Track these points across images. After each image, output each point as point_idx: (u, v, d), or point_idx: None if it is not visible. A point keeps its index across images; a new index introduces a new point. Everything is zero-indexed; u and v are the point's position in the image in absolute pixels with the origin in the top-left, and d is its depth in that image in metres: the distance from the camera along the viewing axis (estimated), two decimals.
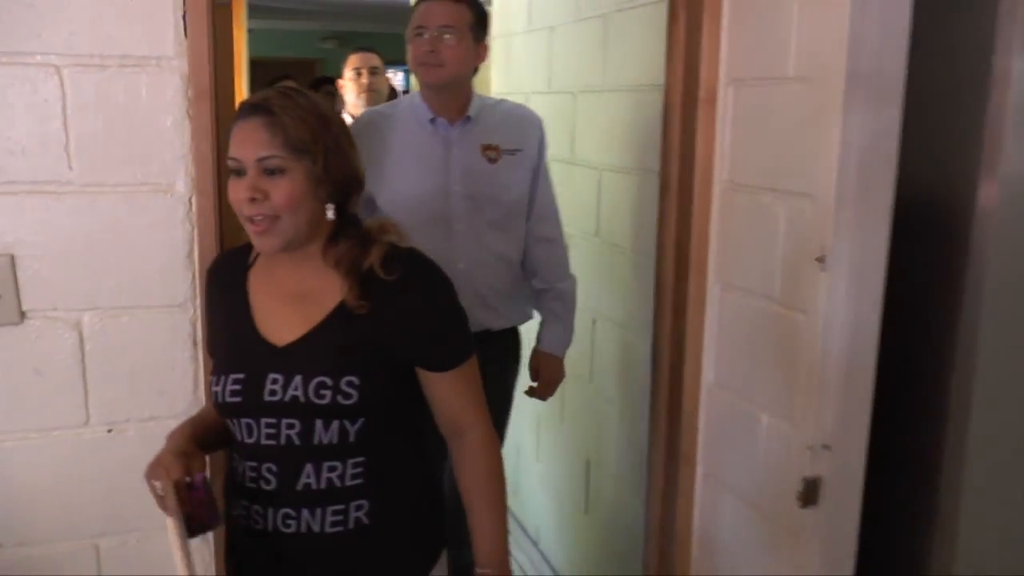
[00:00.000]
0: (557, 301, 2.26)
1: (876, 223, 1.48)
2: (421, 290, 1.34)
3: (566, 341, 2.30)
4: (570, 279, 2.29)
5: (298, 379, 1.29)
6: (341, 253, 1.31)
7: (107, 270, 1.45)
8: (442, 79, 2.04)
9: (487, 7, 2.16)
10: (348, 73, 3.02)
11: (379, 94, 3.01)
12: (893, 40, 1.43)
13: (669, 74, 1.82)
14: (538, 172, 2.18)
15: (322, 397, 1.28)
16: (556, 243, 2.25)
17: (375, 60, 3.07)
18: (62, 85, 1.39)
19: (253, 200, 1.23)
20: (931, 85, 1.49)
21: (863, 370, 1.52)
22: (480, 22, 2.09)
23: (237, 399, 1.32)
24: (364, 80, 2.98)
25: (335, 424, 1.30)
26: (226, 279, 1.41)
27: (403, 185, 2.05)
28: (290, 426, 1.30)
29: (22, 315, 1.43)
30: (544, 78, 2.73)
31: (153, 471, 1.27)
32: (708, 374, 1.83)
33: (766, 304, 1.63)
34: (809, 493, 1.56)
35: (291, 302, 1.34)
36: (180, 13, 1.42)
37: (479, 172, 2.10)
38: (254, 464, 1.33)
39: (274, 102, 1.23)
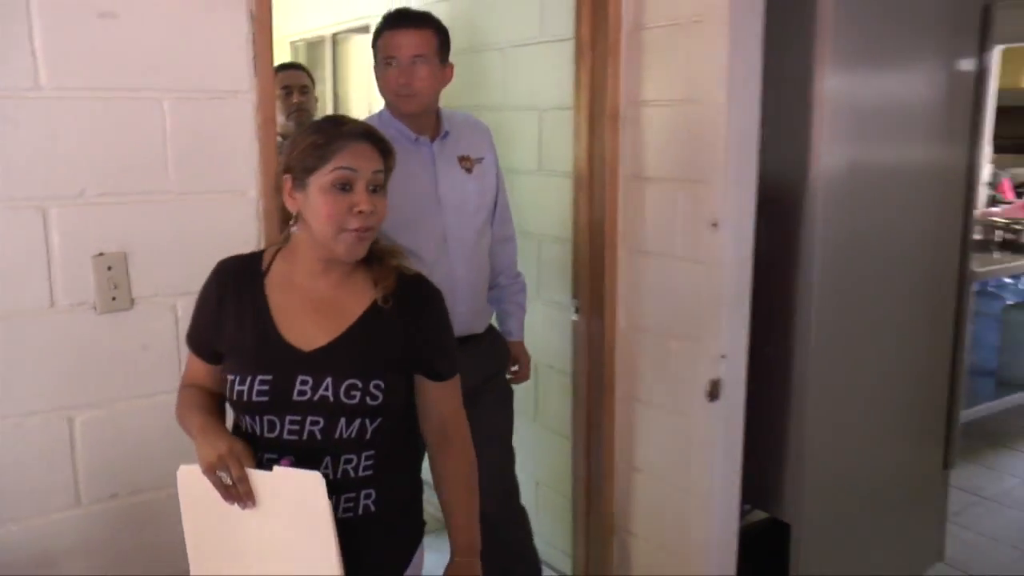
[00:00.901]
0: (521, 293, 2.45)
1: (747, 199, 2.20)
2: (436, 308, 1.56)
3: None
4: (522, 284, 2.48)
5: (328, 380, 1.44)
6: (376, 268, 1.53)
7: (196, 261, 1.76)
8: (416, 108, 2.14)
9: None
10: (276, 92, 2.86)
11: (309, 114, 2.98)
12: (752, 71, 2.14)
13: (578, 97, 2.43)
14: (497, 175, 2.34)
15: (352, 398, 1.45)
16: (515, 240, 2.44)
17: (304, 79, 3.05)
18: (163, 114, 1.73)
19: (362, 212, 1.42)
20: (775, 102, 2.22)
21: (743, 300, 2.24)
22: (444, 44, 2.18)
23: (264, 399, 1.45)
24: (294, 99, 2.95)
25: (357, 422, 1.46)
26: (241, 283, 1.53)
27: (399, 202, 2.15)
28: (314, 423, 1.45)
29: (132, 301, 1.74)
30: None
31: (227, 462, 1.37)
32: (621, 320, 2.47)
33: (671, 260, 2.30)
34: (714, 390, 2.24)
35: (314, 310, 1.50)
36: (251, 56, 1.81)
37: (460, 183, 2.22)
38: (273, 456, 1.46)
39: (375, 130, 1.52)
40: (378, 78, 2.18)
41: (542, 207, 2.77)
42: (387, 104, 2.20)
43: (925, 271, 2.68)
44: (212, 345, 1.55)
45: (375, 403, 1.46)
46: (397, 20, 2.13)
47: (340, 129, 1.47)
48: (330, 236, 1.43)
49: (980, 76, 2.63)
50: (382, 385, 1.46)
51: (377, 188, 1.47)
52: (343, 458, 1.47)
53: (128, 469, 1.79)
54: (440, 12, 2.24)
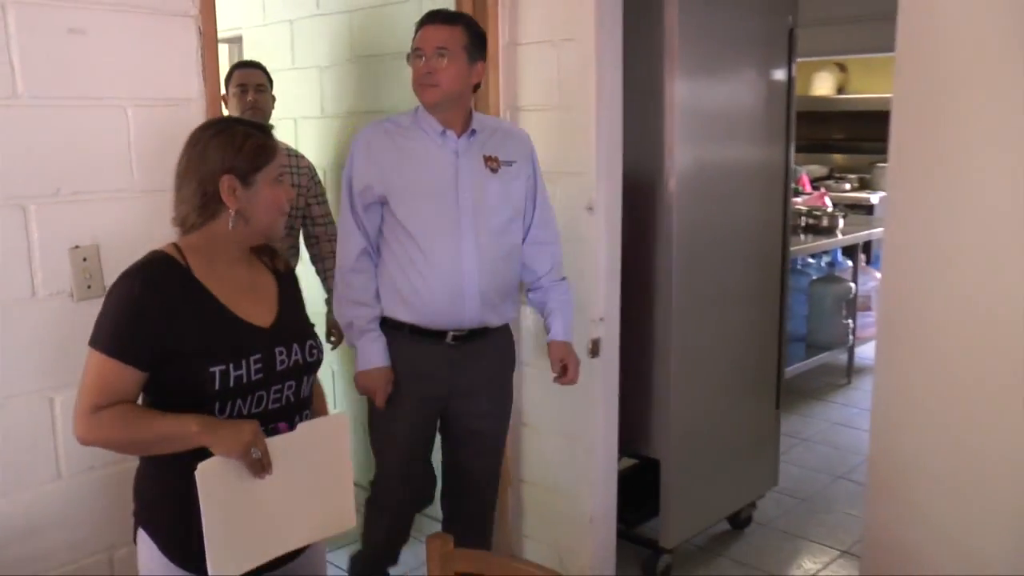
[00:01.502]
0: (564, 295, 2.53)
1: (615, 188, 2.68)
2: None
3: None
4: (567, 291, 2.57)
5: (295, 347, 1.68)
6: (260, 250, 1.75)
7: None
8: (436, 99, 2.28)
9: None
10: (232, 89, 3.02)
11: (264, 113, 3.02)
12: (615, 82, 2.62)
13: None
14: (536, 182, 2.47)
15: (312, 356, 1.72)
16: (555, 244, 2.53)
17: (261, 77, 3.08)
18: (127, 120, 1.97)
19: (289, 200, 1.72)
20: (635, 108, 2.71)
21: (615, 272, 2.72)
22: (474, 43, 2.31)
23: (260, 375, 1.61)
24: (250, 97, 2.99)
25: (308, 379, 1.72)
26: (177, 287, 1.60)
27: (418, 191, 2.32)
28: (290, 387, 1.67)
29: (104, 289, 1.96)
30: (317, 105, 3.53)
31: (252, 444, 1.53)
32: None
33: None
34: (595, 348, 2.70)
35: (247, 292, 1.69)
36: (200, 68, 2.07)
37: (482, 181, 2.36)
38: (271, 425, 1.63)
39: None
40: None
41: None
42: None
43: (756, 251, 3.27)
44: (153, 352, 1.56)
45: (320, 356, 1.75)
46: (429, 17, 2.32)
47: (267, 131, 1.70)
48: (274, 221, 1.68)
49: (789, 86, 3.25)
50: (316, 342, 1.75)
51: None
52: (304, 412, 1.73)
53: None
54: (348, 23, 2.58)
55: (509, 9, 2.72)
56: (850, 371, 5.17)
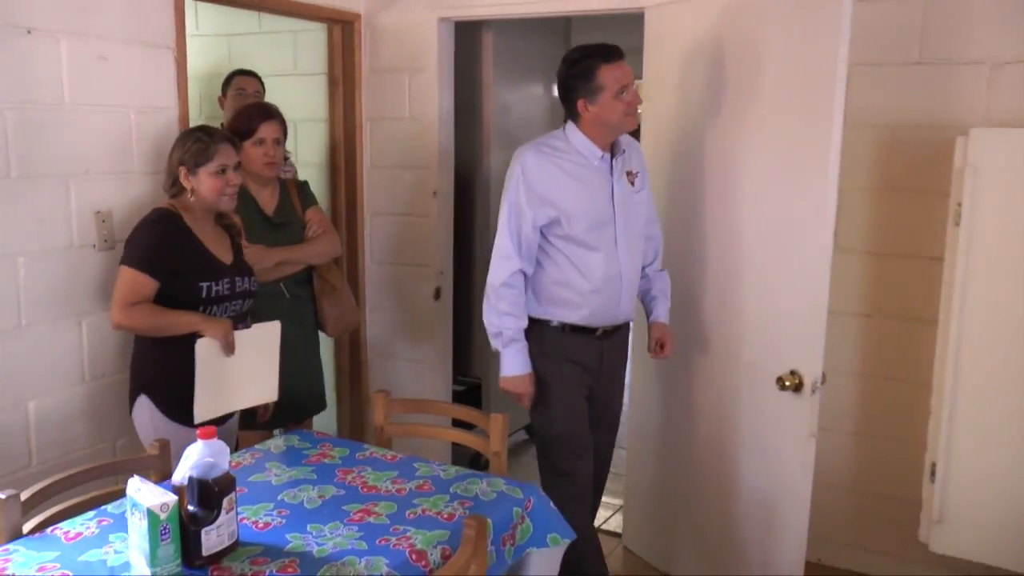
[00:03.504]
0: (666, 283, 2.98)
1: (450, 178, 3.90)
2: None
3: None
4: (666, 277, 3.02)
5: (246, 278, 2.70)
6: (222, 219, 2.72)
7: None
8: (637, 122, 2.77)
9: None
10: (232, 91, 3.67)
11: None
12: (449, 100, 3.83)
13: (333, 115, 3.92)
14: (647, 188, 2.89)
15: (253, 285, 2.74)
16: (660, 237, 2.98)
17: (257, 85, 3.73)
18: (131, 121, 2.89)
19: (233, 185, 2.61)
20: (464, 120, 3.94)
21: (450, 238, 3.94)
22: None
23: (228, 291, 2.60)
24: (248, 101, 3.53)
25: (249, 300, 2.72)
26: (180, 236, 2.55)
27: (584, 212, 2.69)
28: (240, 303, 2.67)
29: (115, 243, 2.87)
30: None
31: (230, 331, 2.49)
32: (368, 257, 4.00)
33: (402, 217, 3.89)
34: (437, 294, 3.90)
35: (215, 240, 2.65)
36: (176, 85, 3.03)
37: (629, 194, 2.78)
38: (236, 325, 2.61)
39: (230, 134, 2.80)
40: (600, 103, 2.64)
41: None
42: (590, 126, 2.69)
43: None
44: (166, 269, 2.50)
45: (256, 287, 2.78)
46: (619, 53, 2.67)
47: (215, 137, 2.61)
48: (217, 199, 2.60)
49: None
50: (254, 276, 2.77)
51: (237, 167, 2.65)
52: (248, 321, 2.74)
53: (113, 356, 2.91)
54: (224, 47, 3.51)
55: (370, 44, 3.86)
56: None
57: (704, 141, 2.97)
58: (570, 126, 2.74)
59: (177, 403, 2.54)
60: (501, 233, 2.75)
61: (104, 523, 2.04)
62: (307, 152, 4.09)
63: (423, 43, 3.76)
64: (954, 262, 2.73)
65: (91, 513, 2.10)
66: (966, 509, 2.77)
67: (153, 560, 1.75)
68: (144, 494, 1.78)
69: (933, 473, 2.82)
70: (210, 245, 2.64)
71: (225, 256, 2.68)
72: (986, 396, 2.71)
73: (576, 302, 2.74)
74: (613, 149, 2.76)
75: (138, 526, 1.77)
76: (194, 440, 1.90)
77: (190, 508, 1.83)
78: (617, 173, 2.75)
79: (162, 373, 2.59)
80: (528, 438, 4.74)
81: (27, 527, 2.04)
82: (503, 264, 2.75)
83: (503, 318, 2.76)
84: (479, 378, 4.23)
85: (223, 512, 1.86)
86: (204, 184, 2.59)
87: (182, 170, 2.59)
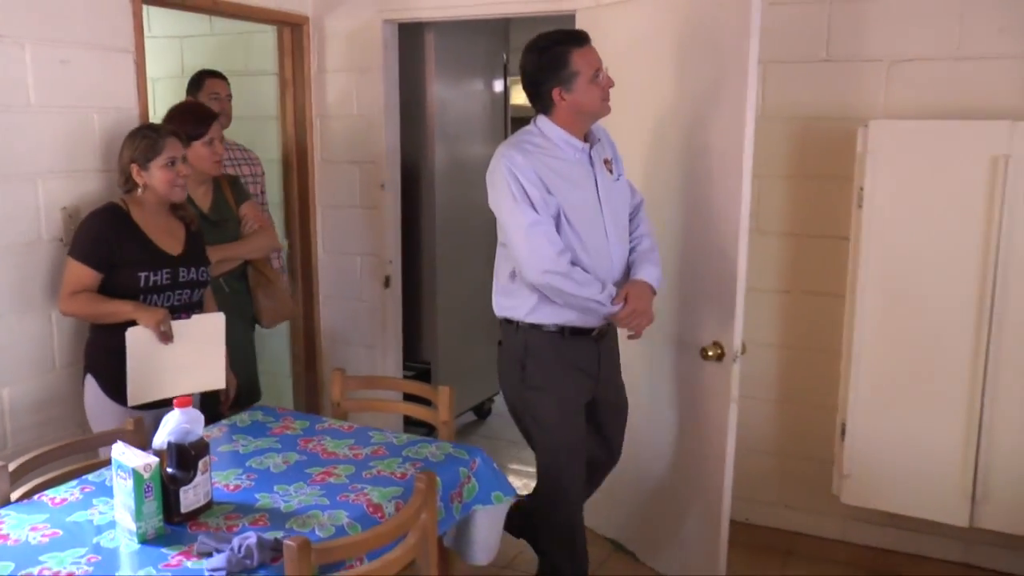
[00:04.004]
0: (651, 247, 2.83)
1: (397, 172, 4.14)
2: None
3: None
4: (654, 236, 2.88)
5: (193, 269, 2.86)
6: (177, 211, 2.91)
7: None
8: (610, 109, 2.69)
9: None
10: (205, 95, 3.76)
11: (228, 117, 3.78)
12: (394, 99, 4.07)
13: (284, 113, 4.13)
14: (622, 167, 2.84)
15: (203, 276, 2.92)
16: (643, 213, 2.90)
17: (227, 88, 3.85)
18: (95, 121, 3.09)
19: (184, 176, 2.80)
20: (410, 117, 4.18)
21: (398, 228, 4.18)
22: None
23: (169, 281, 2.78)
24: (223, 106, 3.76)
25: (199, 290, 2.91)
26: (122, 229, 2.73)
27: (576, 207, 2.63)
28: (187, 294, 2.84)
29: None
30: None
31: (163, 321, 2.64)
32: (320, 248, 4.23)
33: (353, 208, 4.13)
34: (387, 282, 4.14)
35: (165, 233, 2.82)
36: (135, 87, 3.23)
37: (610, 184, 2.73)
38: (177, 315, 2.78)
39: (176, 129, 3.01)
40: (576, 90, 2.59)
41: None
42: (565, 115, 2.64)
43: (488, 223, 4.82)
44: (107, 261, 2.69)
45: (207, 278, 2.96)
46: (587, 37, 2.66)
47: (161, 132, 2.81)
48: (169, 191, 2.79)
49: (505, 99, 4.90)
50: (206, 269, 2.96)
51: (184, 159, 2.83)
52: (194, 311, 2.90)
53: (79, 344, 3.11)
54: (176, 49, 3.71)
55: (318, 46, 4.08)
56: None
57: (633, 133, 3.24)
58: (542, 120, 2.66)
59: (117, 385, 2.73)
60: (514, 221, 2.60)
61: (87, 490, 2.26)
62: (260, 149, 4.27)
63: (368, 44, 3.99)
64: (857, 241, 3.04)
65: (74, 482, 2.32)
66: (871, 463, 3.09)
67: (138, 515, 1.97)
68: (128, 456, 2.00)
69: (843, 432, 3.14)
70: (156, 237, 2.82)
71: (173, 247, 2.86)
72: (886, 361, 3.03)
73: None
74: (588, 139, 2.70)
75: (123, 486, 1.99)
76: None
77: (169, 470, 2.06)
78: (597, 164, 2.71)
79: (105, 356, 2.77)
80: (476, 418, 5.01)
81: (15, 495, 2.25)
82: (549, 245, 2.57)
83: (584, 288, 2.59)
84: (428, 362, 4.48)
85: (199, 473, 2.09)
86: (156, 177, 2.77)
87: (134, 167, 2.78)
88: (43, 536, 2.01)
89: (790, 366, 3.47)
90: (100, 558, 1.92)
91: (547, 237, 2.56)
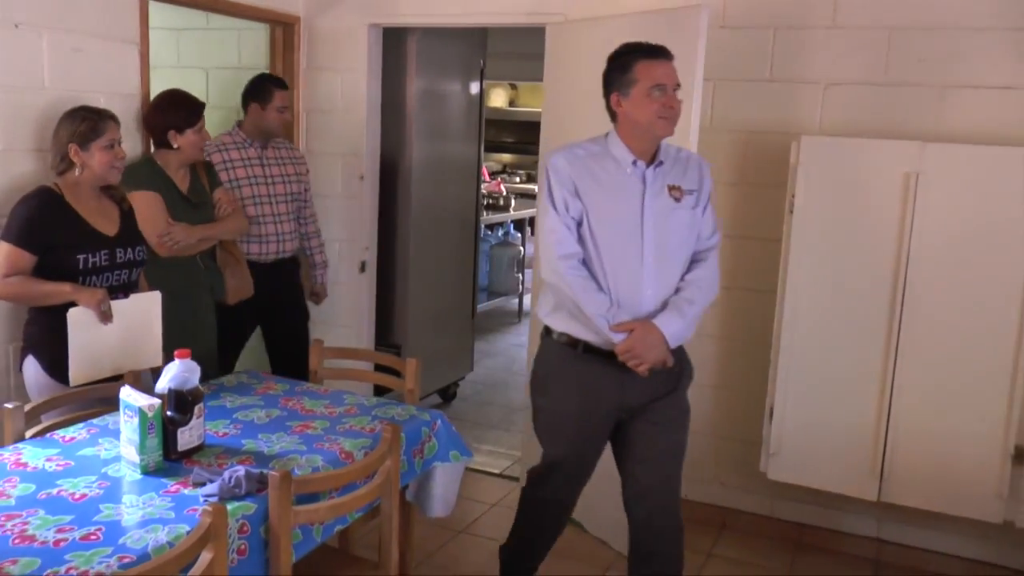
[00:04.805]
0: (695, 292, 2.65)
1: (376, 165, 4.48)
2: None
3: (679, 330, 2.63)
4: (706, 285, 2.69)
5: (130, 248, 2.92)
6: (111, 193, 2.97)
7: None
8: (672, 131, 2.60)
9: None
10: (276, 104, 3.89)
11: (290, 129, 4.19)
12: (376, 96, 4.41)
13: None
14: (706, 205, 2.71)
15: (139, 255, 2.98)
16: (708, 258, 2.71)
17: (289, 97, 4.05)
18: (102, 104, 3.41)
19: (121, 158, 2.89)
20: (391, 116, 4.53)
21: (375, 218, 4.51)
22: None
23: (107, 262, 2.84)
24: (287, 116, 4.03)
25: (136, 270, 2.98)
26: (57, 211, 2.78)
27: (607, 219, 2.59)
28: (125, 274, 2.91)
29: None
30: None
31: (102, 301, 2.72)
32: None
33: (334, 197, 4.47)
34: (363, 267, 4.48)
35: (99, 214, 2.88)
36: (139, 75, 3.55)
37: (666, 210, 2.62)
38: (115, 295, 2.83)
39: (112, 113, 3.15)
40: (631, 99, 2.60)
41: None
42: (624, 127, 2.65)
43: (460, 219, 5.26)
44: (41, 243, 2.75)
45: (144, 258, 3.03)
46: (663, 52, 2.62)
47: (102, 115, 2.90)
48: (106, 171, 2.86)
49: (480, 101, 5.26)
50: (144, 247, 3.06)
51: (120, 142, 2.92)
52: (131, 291, 2.98)
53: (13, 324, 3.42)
54: (172, 41, 4.03)
55: (308, 45, 4.43)
56: (520, 312, 7.45)
57: (582, 133, 3.58)
58: (611, 133, 2.70)
59: (58, 364, 2.81)
60: (539, 219, 2.73)
61: (93, 431, 2.58)
62: None
63: (355, 46, 4.33)
64: (788, 243, 3.42)
65: (80, 424, 2.64)
66: (794, 443, 3.47)
67: (142, 448, 2.30)
68: (135, 397, 2.33)
69: (771, 415, 3.51)
70: (91, 218, 2.89)
71: (109, 228, 2.93)
72: (811, 350, 3.41)
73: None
74: (654, 160, 2.66)
75: (129, 423, 2.32)
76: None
77: (168, 413, 2.39)
78: (652, 184, 2.64)
79: (47, 336, 2.85)
80: (442, 401, 5.36)
81: (28, 433, 2.57)
82: (549, 242, 2.64)
83: (585, 296, 2.60)
84: (398, 345, 4.82)
85: (194, 417, 2.42)
86: (95, 158, 2.85)
87: (72, 147, 2.85)
88: (57, 465, 2.32)
89: (727, 355, 3.84)
90: (109, 484, 2.24)
91: (557, 236, 2.61)
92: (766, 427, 3.56)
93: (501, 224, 7.41)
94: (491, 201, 7.22)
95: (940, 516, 3.44)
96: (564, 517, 2.99)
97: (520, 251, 7.33)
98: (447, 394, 5.34)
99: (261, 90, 3.91)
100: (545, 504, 2.95)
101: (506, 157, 9.87)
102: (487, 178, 8.31)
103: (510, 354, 6.61)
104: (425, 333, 4.97)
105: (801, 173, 3.36)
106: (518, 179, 9.30)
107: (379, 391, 4.19)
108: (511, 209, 7.35)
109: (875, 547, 3.70)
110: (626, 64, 2.62)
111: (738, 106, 3.70)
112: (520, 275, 7.29)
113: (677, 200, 2.64)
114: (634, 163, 2.63)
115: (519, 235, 7.61)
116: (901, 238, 3.22)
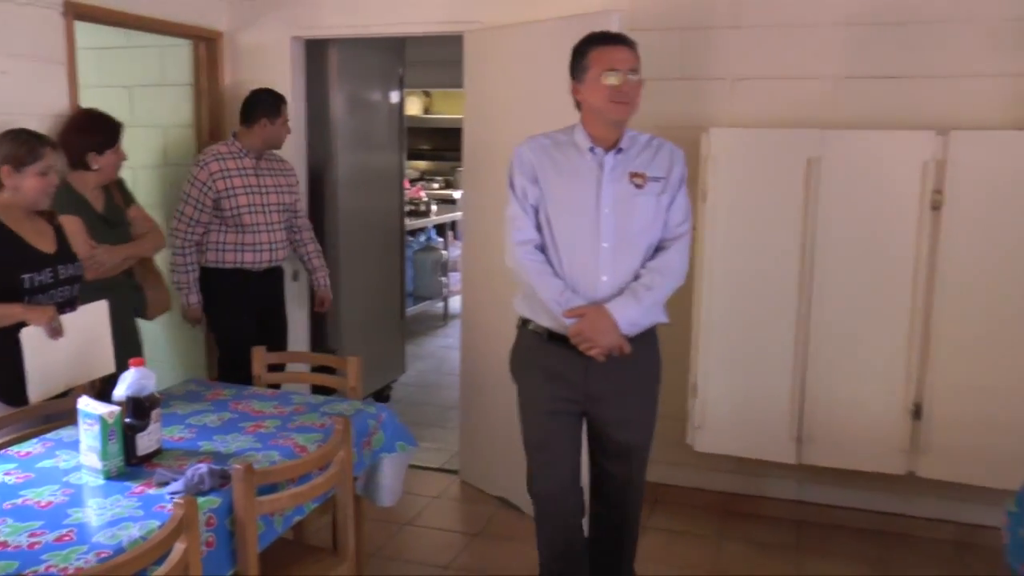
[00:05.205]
0: (645, 282, 2.64)
1: (302, 175, 4.56)
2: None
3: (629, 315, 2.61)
4: (668, 272, 2.67)
5: (69, 265, 2.96)
6: (45, 215, 2.97)
7: None
8: (627, 115, 2.61)
9: None
10: (283, 120, 4.04)
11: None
12: (301, 107, 4.50)
13: (199, 121, 4.51)
14: (675, 193, 2.69)
15: (78, 270, 3.01)
16: (672, 246, 2.69)
17: None
18: (35, 127, 3.43)
19: (53, 185, 2.89)
20: (318, 127, 4.63)
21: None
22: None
23: (52, 280, 2.87)
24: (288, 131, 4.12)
25: (76, 285, 2.99)
26: None
27: (564, 204, 2.62)
28: (68, 289, 2.94)
29: None
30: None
31: (53, 318, 2.73)
32: None
33: None
34: (295, 276, 4.55)
35: (37, 234, 2.90)
36: (67, 95, 3.57)
37: (626, 196, 2.61)
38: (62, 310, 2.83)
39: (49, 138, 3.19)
40: (585, 84, 2.63)
41: (171, 184, 4.74)
42: (585, 114, 2.68)
43: (385, 226, 5.38)
44: None
45: (82, 272, 3.06)
46: (616, 38, 2.64)
47: (42, 140, 2.91)
48: (36, 198, 2.86)
49: (401, 108, 5.38)
50: (79, 263, 3.05)
51: (54, 169, 2.90)
52: (75, 306, 2.97)
53: None
54: (92, 59, 4.07)
55: (231, 59, 4.49)
56: (446, 315, 7.58)
57: (505, 137, 3.76)
58: (577, 122, 2.73)
59: (9, 386, 2.81)
60: (513, 208, 2.72)
61: (48, 445, 2.63)
62: (177, 155, 4.65)
63: (278, 59, 4.42)
64: (703, 230, 3.64)
65: (33, 440, 2.68)
66: (717, 415, 3.70)
67: (104, 455, 2.37)
68: (94, 406, 2.40)
69: (695, 391, 3.73)
70: (30, 238, 2.90)
71: (47, 246, 2.95)
72: (728, 329, 3.64)
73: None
74: (613, 145, 2.67)
75: (90, 431, 2.38)
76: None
77: (127, 420, 2.46)
78: (613, 170, 2.65)
79: None
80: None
81: None
82: (508, 230, 2.71)
83: (540, 280, 2.67)
84: (333, 350, 4.91)
85: (152, 422, 2.50)
86: (28, 182, 2.85)
87: (6, 168, 2.83)
88: (17, 478, 2.37)
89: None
90: (73, 491, 2.30)
91: (515, 223, 2.69)
92: (691, 402, 3.77)
93: (423, 229, 7.54)
94: (413, 207, 7.34)
95: (852, 473, 3.72)
96: (571, 521, 2.86)
97: (443, 255, 7.46)
98: (382, 396, 5.44)
99: (271, 106, 4.02)
100: (542, 502, 2.88)
101: (423, 164, 9.98)
102: (407, 185, 8.41)
103: (439, 355, 6.74)
104: (358, 338, 5.07)
105: (711, 163, 3.58)
106: (436, 185, 9.42)
107: (320, 394, 4.27)
108: (432, 214, 7.48)
109: (797, 508, 3.96)
110: (582, 52, 2.66)
111: (652, 103, 3.81)
112: (444, 278, 7.42)
113: (639, 187, 2.63)
114: (592, 149, 2.66)
115: (441, 240, 7.75)
116: (806, 220, 3.47)
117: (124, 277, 3.59)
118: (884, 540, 3.79)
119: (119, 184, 3.68)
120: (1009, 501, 2.54)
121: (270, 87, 4.12)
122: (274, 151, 4.16)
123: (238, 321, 4.03)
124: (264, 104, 4.02)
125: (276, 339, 4.19)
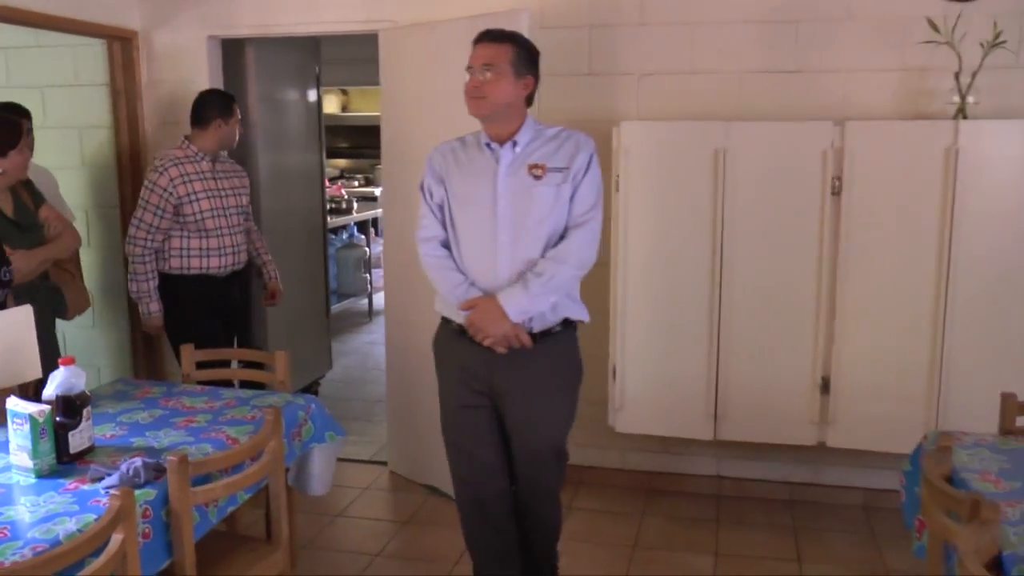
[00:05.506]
0: (540, 273, 2.65)
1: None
2: None
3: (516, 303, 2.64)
4: (564, 258, 2.67)
5: (1, 268, 2.99)
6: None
7: None
8: (482, 110, 2.63)
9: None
10: (236, 119, 4.01)
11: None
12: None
13: (117, 122, 4.47)
14: (579, 182, 2.67)
15: (6, 276, 2.99)
16: (572, 234, 2.69)
17: None
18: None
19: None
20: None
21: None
22: (523, 59, 2.64)
23: None
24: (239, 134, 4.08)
25: (6, 291, 2.99)
26: None
27: (463, 200, 2.71)
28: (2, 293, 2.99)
29: None
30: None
31: None
32: None
33: None
34: None
35: None
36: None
37: (524, 188, 2.65)
38: None
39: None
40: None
41: (92, 186, 4.69)
42: None
43: (308, 226, 5.41)
44: None
45: (10, 277, 3.05)
46: (480, 35, 2.70)
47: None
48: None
49: (319, 107, 5.41)
50: (9, 268, 3.07)
51: None
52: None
53: None
54: (1, 59, 4.00)
55: (147, 59, 4.46)
56: (371, 311, 7.61)
57: (428, 140, 3.83)
58: None
59: None
60: (418, 211, 2.82)
61: None
62: (92, 156, 4.61)
63: (194, 58, 4.41)
64: (617, 220, 3.78)
65: None
66: (636, 397, 3.84)
67: (35, 453, 2.38)
68: (23, 406, 2.41)
69: (614, 374, 3.87)
70: None
71: None
72: (644, 314, 3.79)
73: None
74: (508, 139, 2.71)
75: (20, 430, 2.39)
76: None
77: (58, 419, 2.47)
78: (510, 164, 2.70)
79: None
80: None
81: None
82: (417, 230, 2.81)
83: (440, 275, 2.79)
84: (260, 348, 4.92)
85: (83, 420, 2.51)
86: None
87: None
88: None
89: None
90: (3, 491, 2.30)
91: (422, 222, 2.81)
92: (611, 385, 3.91)
93: (345, 227, 7.56)
94: (334, 205, 7.35)
95: (767, 447, 3.91)
96: (492, 511, 2.91)
97: (366, 252, 7.50)
98: (310, 392, 5.43)
99: (224, 106, 3.99)
100: (465, 498, 2.96)
101: (342, 162, 9.97)
102: (327, 184, 8.41)
103: (364, 351, 6.78)
104: (283, 335, 5.08)
105: (622, 155, 3.72)
106: (356, 183, 9.42)
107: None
108: (354, 212, 7.50)
109: (716, 483, 4.14)
110: None
111: (564, 98, 4.02)
112: (368, 275, 7.46)
113: (537, 178, 2.65)
114: (488, 145, 2.72)
115: (363, 237, 7.78)
116: (715, 207, 3.63)
117: (41, 280, 3.54)
118: (798, 508, 4.00)
119: (26, 185, 3.57)
120: (905, 462, 2.74)
121: (188, 85, 4.11)
122: (225, 155, 4.14)
123: (204, 326, 3.96)
124: (216, 104, 3.99)
125: (242, 342, 4.22)
